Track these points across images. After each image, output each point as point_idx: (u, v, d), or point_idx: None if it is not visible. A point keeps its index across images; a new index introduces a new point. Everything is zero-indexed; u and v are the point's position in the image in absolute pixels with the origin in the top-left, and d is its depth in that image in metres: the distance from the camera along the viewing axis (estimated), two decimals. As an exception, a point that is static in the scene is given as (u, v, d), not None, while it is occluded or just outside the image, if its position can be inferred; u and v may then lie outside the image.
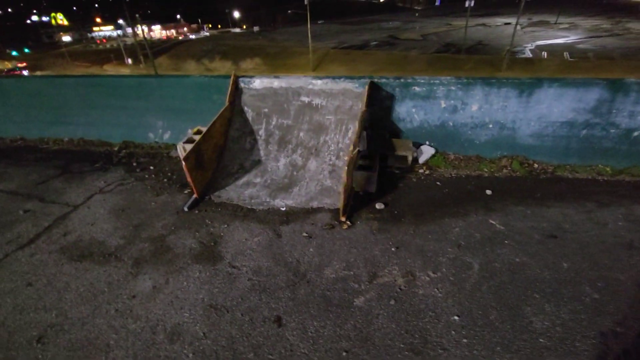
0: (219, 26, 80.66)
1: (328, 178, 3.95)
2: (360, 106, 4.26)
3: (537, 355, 2.06)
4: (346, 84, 4.33)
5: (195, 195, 3.78)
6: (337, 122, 4.30)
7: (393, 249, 2.97)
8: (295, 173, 4.07)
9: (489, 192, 3.75)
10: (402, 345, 2.17)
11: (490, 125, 4.25)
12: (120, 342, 2.25)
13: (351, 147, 3.46)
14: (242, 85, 4.59)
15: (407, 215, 3.42)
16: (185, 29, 78.52)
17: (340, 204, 3.31)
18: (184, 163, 3.45)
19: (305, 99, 4.42)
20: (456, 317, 2.33)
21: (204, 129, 4.30)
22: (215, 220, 3.45)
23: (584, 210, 3.37)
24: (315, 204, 3.64)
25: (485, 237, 3.06)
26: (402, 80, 4.24)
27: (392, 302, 2.48)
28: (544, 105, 4.03)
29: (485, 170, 4.19)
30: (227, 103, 4.40)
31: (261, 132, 4.45)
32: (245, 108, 4.55)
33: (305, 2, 38.51)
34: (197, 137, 4.13)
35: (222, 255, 2.99)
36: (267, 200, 3.75)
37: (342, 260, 2.88)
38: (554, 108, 4.02)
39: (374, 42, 49.88)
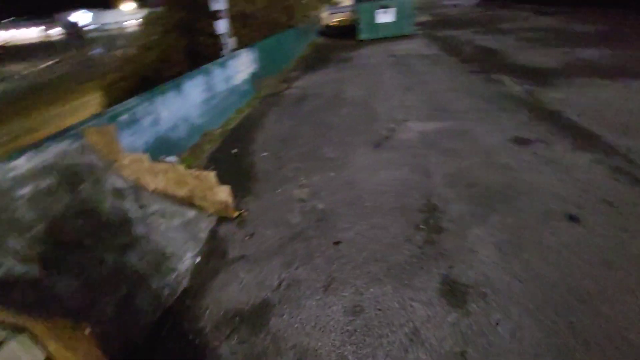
0: None
1: (187, 211, 3.54)
2: (96, 158, 3.64)
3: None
4: (57, 146, 3.34)
5: None
6: (96, 183, 3.45)
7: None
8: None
9: (234, 150, 5.25)
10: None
11: (180, 122, 5.30)
12: None
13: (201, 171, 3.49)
14: None
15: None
16: None
17: (230, 202, 3.55)
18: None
19: (27, 190, 2.95)
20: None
21: None
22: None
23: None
24: (208, 224, 3.42)
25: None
26: (108, 114, 3.98)
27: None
28: (191, 95, 5.65)
29: (208, 147, 5.44)
30: None
31: (34, 271, 2.58)
32: None
33: None
34: None
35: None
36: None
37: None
38: (196, 94, 5.77)
39: None
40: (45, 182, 3.11)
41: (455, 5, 24.97)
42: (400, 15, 14.27)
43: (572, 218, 3.04)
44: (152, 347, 2.41)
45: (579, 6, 16.39)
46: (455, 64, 8.98)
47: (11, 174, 2.93)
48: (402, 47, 12.28)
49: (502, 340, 2.14)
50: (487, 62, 8.75)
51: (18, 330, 2.11)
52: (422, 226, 3.20)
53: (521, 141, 4.50)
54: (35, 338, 2.16)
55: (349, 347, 2.24)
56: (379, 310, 2.45)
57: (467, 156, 4.30)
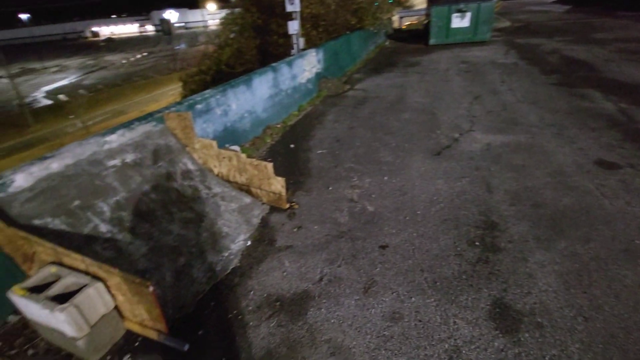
0: None
1: (244, 196, 3.85)
2: (174, 140, 4.06)
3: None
4: (143, 126, 3.82)
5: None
6: (171, 163, 3.86)
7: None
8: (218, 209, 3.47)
9: (292, 145, 5.45)
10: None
11: (246, 115, 5.66)
12: None
13: (260, 161, 3.74)
14: (-8, 197, 2.60)
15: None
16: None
17: (283, 194, 3.71)
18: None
19: (116, 162, 3.42)
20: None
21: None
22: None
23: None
24: (261, 212, 3.65)
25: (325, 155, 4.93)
26: (186, 103, 4.43)
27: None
28: (259, 90, 5.99)
29: (268, 141, 5.72)
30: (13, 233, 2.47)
31: (114, 231, 3.01)
32: (37, 221, 2.74)
33: None
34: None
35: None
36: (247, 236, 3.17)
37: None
38: (263, 89, 6.10)
39: None
40: (130, 157, 3.56)
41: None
42: (476, 20, 13.47)
43: (662, 258, 2.62)
44: (201, 314, 2.63)
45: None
46: (536, 75, 8.21)
47: (105, 147, 3.41)
48: (475, 54, 11.57)
49: (555, 378, 1.94)
50: (573, 75, 7.87)
51: (97, 278, 2.48)
52: (476, 242, 3.02)
53: (606, 164, 3.98)
54: (108, 288, 2.51)
55: (383, 352, 2.21)
56: (419, 321, 2.38)
57: (537, 174, 3.94)
